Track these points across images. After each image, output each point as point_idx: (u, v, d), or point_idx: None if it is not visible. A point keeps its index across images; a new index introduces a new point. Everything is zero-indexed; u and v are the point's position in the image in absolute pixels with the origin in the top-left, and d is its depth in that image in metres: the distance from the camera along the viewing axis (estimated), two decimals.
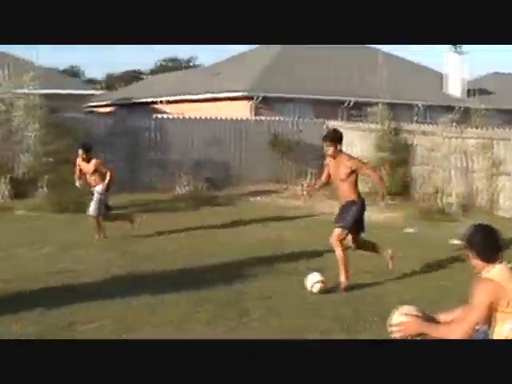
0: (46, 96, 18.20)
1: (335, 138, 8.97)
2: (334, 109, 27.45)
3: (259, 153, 21.26)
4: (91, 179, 12.40)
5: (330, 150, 8.90)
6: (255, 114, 26.35)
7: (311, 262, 10.34)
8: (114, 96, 38.87)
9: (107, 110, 36.00)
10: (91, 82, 50.86)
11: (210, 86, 30.15)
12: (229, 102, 27.81)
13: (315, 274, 8.68)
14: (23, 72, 17.94)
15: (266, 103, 27.64)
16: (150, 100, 33.05)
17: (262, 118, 23.84)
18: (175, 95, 31.52)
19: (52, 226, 13.22)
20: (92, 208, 12.21)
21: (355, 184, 8.95)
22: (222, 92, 28.53)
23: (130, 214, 13.44)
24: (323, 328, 7.08)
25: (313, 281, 8.54)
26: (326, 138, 9.01)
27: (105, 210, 12.39)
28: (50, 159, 16.13)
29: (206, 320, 7.41)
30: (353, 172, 8.87)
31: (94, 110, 34.12)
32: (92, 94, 31.99)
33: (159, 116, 23.42)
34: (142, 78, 54.25)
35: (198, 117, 21.68)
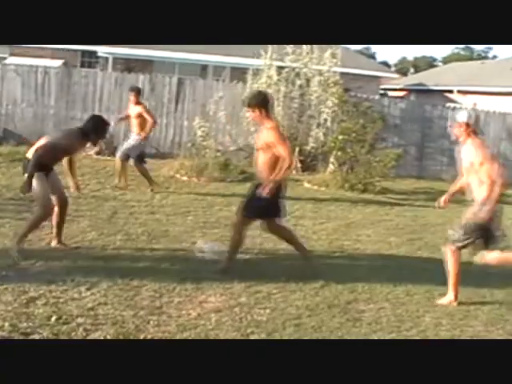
0: (341, 74, 18.55)
1: (255, 100, 7.49)
2: None
3: None
4: (133, 123, 12.47)
5: (252, 115, 7.54)
6: None
7: None
8: (406, 81, 38.76)
9: (398, 94, 36.00)
10: (384, 65, 50.99)
11: (506, 80, 29.04)
12: None
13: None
14: (323, 48, 18.37)
15: None
16: (442, 88, 32.55)
17: None
18: (469, 85, 30.76)
19: (337, 203, 13.51)
20: (120, 151, 12.49)
21: (275, 161, 7.38)
22: None
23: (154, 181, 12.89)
24: None
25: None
26: (244, 103, 7.80)
27: (139, 159, 12.49)
28: (342, 137, 16.39)
29: (487, 319, 7.16)
30: (270, 147, 7.42)
31: (385, 92, 34.31)
32: (384, 77, 32.13)
33: (452, 105, 22.99)
34: (435, 65, 53.53)
35: (491, 110, 20.99)
